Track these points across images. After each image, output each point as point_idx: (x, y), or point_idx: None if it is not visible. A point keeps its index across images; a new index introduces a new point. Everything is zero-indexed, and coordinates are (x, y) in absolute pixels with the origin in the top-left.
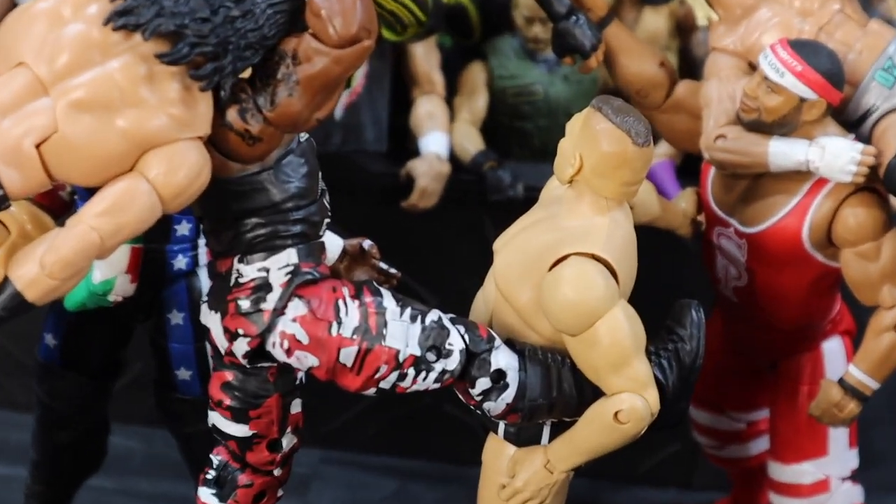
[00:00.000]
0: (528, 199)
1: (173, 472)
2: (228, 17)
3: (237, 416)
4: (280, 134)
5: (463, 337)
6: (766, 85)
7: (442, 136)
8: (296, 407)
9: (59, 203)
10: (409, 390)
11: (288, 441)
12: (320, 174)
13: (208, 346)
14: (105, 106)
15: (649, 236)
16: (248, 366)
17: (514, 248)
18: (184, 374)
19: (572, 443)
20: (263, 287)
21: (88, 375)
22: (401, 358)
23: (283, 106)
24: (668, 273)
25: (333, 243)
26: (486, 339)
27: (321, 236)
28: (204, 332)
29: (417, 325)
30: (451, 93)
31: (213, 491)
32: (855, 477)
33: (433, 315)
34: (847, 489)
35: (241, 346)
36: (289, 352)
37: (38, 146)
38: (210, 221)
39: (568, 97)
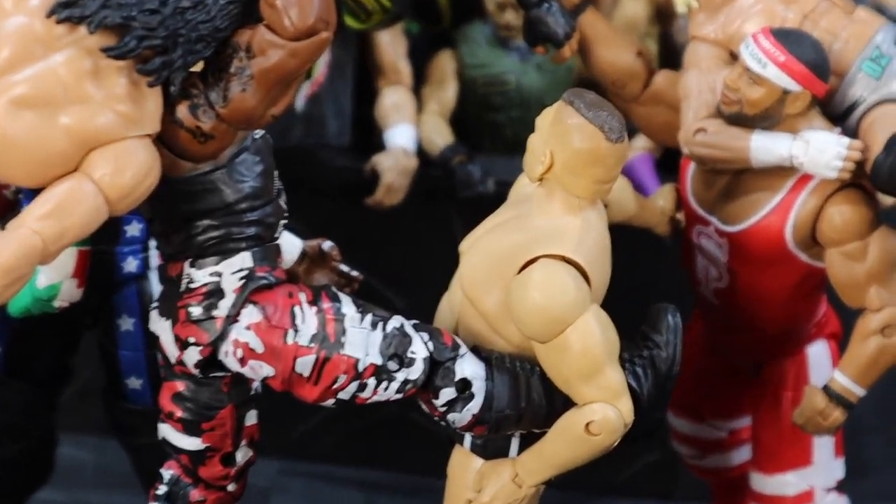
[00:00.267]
0: (500, 195)
1: (126, 484)
2: (178, 9)
3: (189, 428)
4: (233, 131)
5: (426, 344)
6: (748, 76)
7: (408, 128)
8: (251, 419)
9: (3, 202)
10: (369, 401)
11: (242, 455)
12: (276, 173)
13: (158, 355)
14: (48, 102)
15: (625, 235)
16: (200, 376)
17: (480, 249)
18: (134, 382)
19: (542, 455)
20: (216, 293)
21: (34, 384)
22: (360, 367)
23: (237, 101)
24: (644, 274)
25: (291, 244)
26: (450, 346)
27: (277, 238)
28: (154, 340)
29: (378, 333)
30: (419, 83)
31: None
32: (841, 488)
33: (395, 322)
34: (832, 501)
35: (193, 356)
36: (242, 361)
37: None
38: (160, 223)
39: (541, 87)
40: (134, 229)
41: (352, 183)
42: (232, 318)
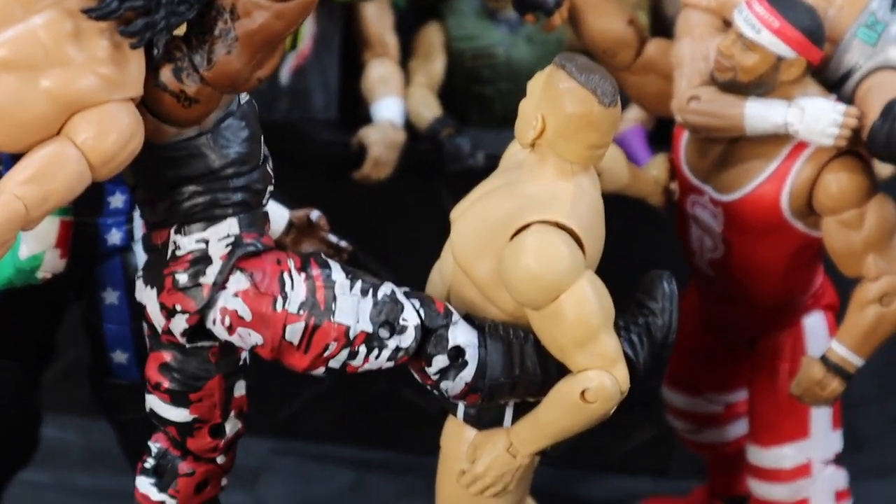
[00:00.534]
0: (489, 169)
1: (112, 465)
2: None
3: (176, 399)
4: (218, 95)
5: (418, 312)
6: (742, 43)
7: (396, 101)
8: (239, 389)
9: None
10: (360, 370)
11: (231, 426)
12: (262, 138)
13: (144, 325)
14: (28, 65)
15: (618, 206)
16: (187, 345)
17: (472, 216)
18: (120, 357)
19: (536, 424)
20: (202, 260)
21: (18, 361)
22: (351, 335)
23: (221, 64)
24: (638, 246)
25: (279, 215)
26: (442, 313)
27: (264, 205)
28: (140, 311)
29: (369, 300)
30: (406, 56)
31: (152, 480)
32: (839, 460)
33: (386, 288)
34: (830, 474)
35: (180, 324)
36: (230, 329)
37: None
38: (144, 190)
39: (531, 60)
40: (117, 200)
41: (338, 157)
42: (219, 286)
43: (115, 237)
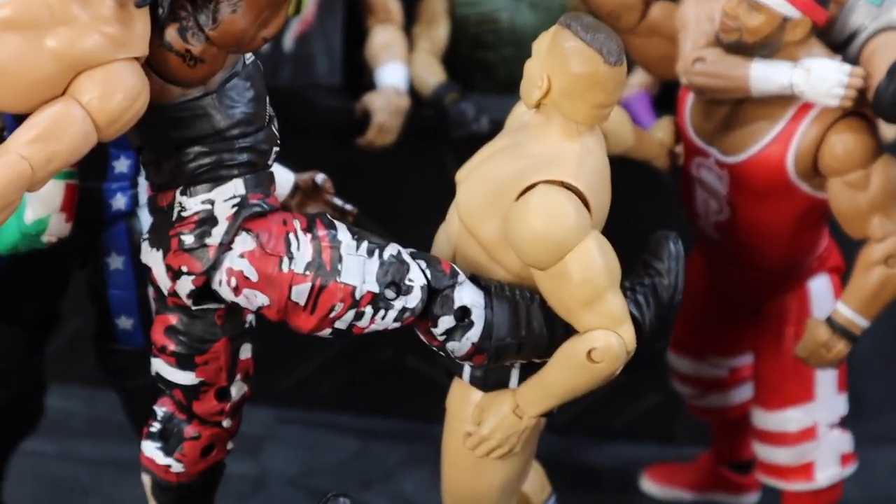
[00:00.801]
0: (493, 134)
1: (117, 435)
2: None
3: (182, 362)
4: (223, 54)
5: (424, 272)
6: (747, 3)
7: (400, 67)
8: (245, 352)
9: None
10: (366, 330)
11: (237, 389)
12: (268, 99)
13: (150, 289)
14: (34, 25)
15: (622, 169)
16: (193, 307)
17: (477, 177)
18: (125, 322)
19: (543, 385)
20: (208, 220)
21: (22, 327)
22: (357, 295)
23: (227, 24)
24: (642, 209)
25: (284, 178)
26: (448, 274)
27: (270, 166)
28: (145, 277)
29: (375, 260)
30: (409, 21)
31: (158, 444)
32: (844, 424)
33: (392, 249)
34: (835, 437)
35: (185, 285)
36: (237, 290)
37: None
38: (149, 152)
39: (535, 25)
40: (122, 165)
41: (343, 123)
42: (225, 246)
43: (119, 202)
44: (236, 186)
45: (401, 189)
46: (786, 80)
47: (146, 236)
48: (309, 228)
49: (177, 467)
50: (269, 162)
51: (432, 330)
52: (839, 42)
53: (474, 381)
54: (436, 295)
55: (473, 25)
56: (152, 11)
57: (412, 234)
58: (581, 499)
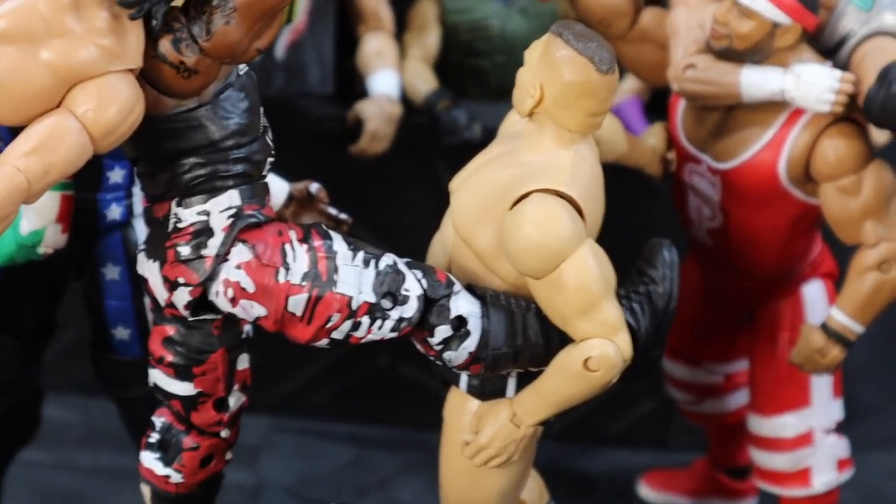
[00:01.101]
0: (485, 142)
1: (113, 444)
2: None
3: (180, 373)
4: (217, 66)
5: (420, 282)
6: (737, 9)
7: (392, 74)
8: (243, 363)
9: None
10: (363, 341)
11: (235, 400)
12: (262, 110)
13: (147, 300)
14: (28, 37)
15: (614, 176)
16: (190, 318)
17: (472, 186)
18: (121, 333)
19: (540, 394)
20: (204, 232)
21: (19, 338)
22: (354, 305)
23: (220, 35)
24: (634, 217)
25: (278, 188)
26: (444, 283)
27: (265, 176)
28: (142, 287)
29: (371, 270)
30: (401, 29)
31: (157, 455)
32: (840, 429)
33: (388, 259)
34: (832, 443)
35: (182, 297)
36: (233, 301)
37: None
38: (144, 163)
39: (526, 32)
40: (116, 175)
41: (335, 131)
42: (222, 258)
43: (114, 212)
44: (231, 197)
45: (393, 197)
46: (776, 86)
47: (142, 247)
48: (305, 239)
49: (176, 478)
50: (264, 172)
51: (429, 340)
52: (829, 47)
53: (471, 391)
54: (432, 305)
55: (464, 32)
56: (146, 23)
57: (404, 242)
58: None
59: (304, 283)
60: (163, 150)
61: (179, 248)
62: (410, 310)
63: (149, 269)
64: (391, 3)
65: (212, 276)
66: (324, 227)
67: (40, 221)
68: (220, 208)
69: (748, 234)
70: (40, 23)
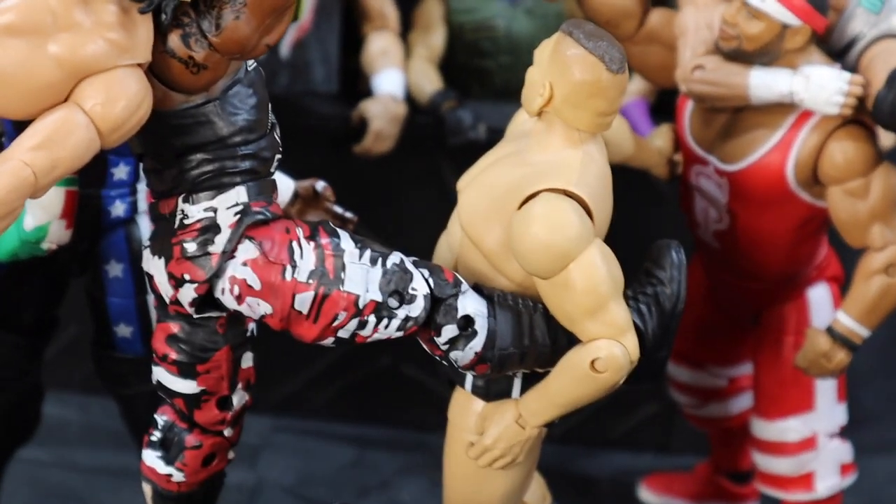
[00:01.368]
0: (490, 143)
1: (113, 443)
2: None
3: (184, 371)
4: (226, 61)
5: (427, 281)
6: (747, 11)
7: (397, 73)
8: (247, 361)
9: None
10: (369, 339)
11: (239, 398)
12: (270, 106)
13: (151, 297)
14: (36, 30)
15: (622, 177)
16: (195, 315)
17: (479, 186)
18: (123, 330)
19: (546, 395)
20: (211, 228)
21: (21, 334)
22: (360, 304)
23: (230, 30)
24: (641, 219)
25: (284, 185)
26: (452, 283)
27: (272, 173)
28: (145, 286)
29: (378, 269)
30: (406, 28)
31: (159, 454)
32: (843, 434)
33: (395, 258)
34: (835, 447)
35: (188, 294)
36: (239, 298)
37: None
38: (151, 159)
39: (531, 33)
40: (121, 172)
41: (339, 131)
42: (228, 254)
43: (118, 209)
44: (239, 194)
45: (397, 196)
46: (785, 88)
47: (148, 244)
48: (312, 236)
49: (178, 476)
50: (272, 169)
51: (435, 339)
52: (838, 50)
53: (476, 391)
54: (439, 304)
55: (470, 32)
56: (155, 18)
57: (409, 242)
58: None
59: (310, 281)
60: (170, 145)
61: (186, 245)
62: (417, 309)
63: (154, 265)
64: (396, 2)
65: (218, 273)
66: (331, 224)
67: (44, 217)
68: (228, 205)
69: (755, 236)
70: (49, 16)
